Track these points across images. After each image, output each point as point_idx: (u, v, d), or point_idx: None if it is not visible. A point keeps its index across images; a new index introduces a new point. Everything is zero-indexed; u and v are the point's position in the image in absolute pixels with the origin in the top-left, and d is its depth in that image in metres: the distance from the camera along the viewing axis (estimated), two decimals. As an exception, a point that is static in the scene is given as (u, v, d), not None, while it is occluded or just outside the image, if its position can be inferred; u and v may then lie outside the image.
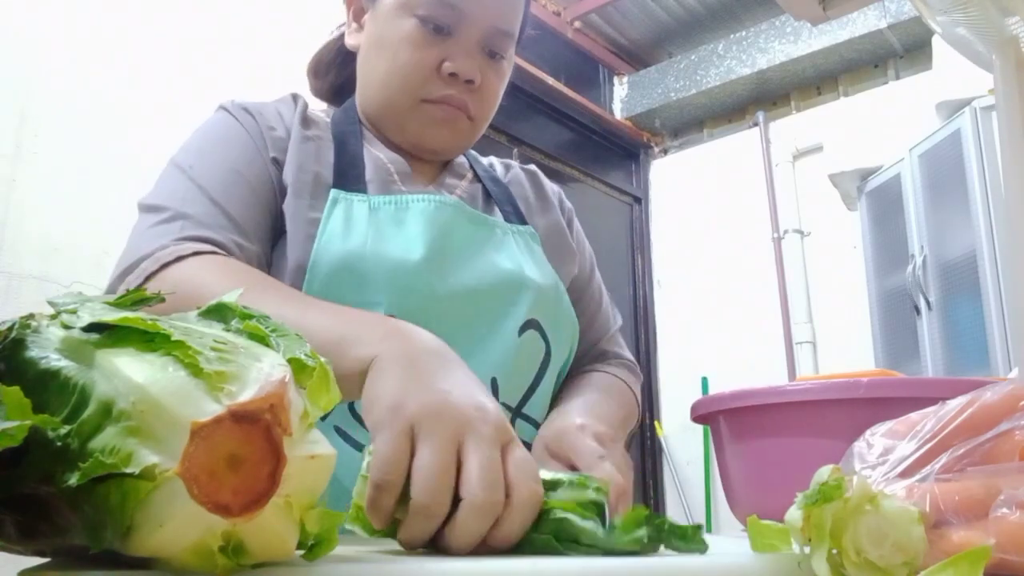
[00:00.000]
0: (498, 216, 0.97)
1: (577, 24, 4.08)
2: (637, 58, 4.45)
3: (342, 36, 1.00)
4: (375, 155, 0.92)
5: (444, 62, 0.88)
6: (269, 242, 0.82)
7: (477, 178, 1.01)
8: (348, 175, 0.87)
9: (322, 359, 0.40)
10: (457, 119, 0.91)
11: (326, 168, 0.87)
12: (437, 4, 0.87)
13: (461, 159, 1.03)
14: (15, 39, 2.07)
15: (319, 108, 1.00)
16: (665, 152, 4.54)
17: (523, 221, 0.98)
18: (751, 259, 3.93)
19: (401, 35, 0.88)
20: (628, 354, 1.06)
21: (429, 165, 0.98)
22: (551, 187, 1.10)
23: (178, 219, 0.77)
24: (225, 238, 0.77)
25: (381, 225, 0.84)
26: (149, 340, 0.36)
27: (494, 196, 0.99)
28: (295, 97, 0.95)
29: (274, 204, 0.83)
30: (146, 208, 0.80)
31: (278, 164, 0.86)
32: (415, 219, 0.85)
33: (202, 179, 0.80)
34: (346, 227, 0.82)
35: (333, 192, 0.84)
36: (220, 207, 0.78)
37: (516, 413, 0.87)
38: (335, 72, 1.04)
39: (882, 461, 0.48)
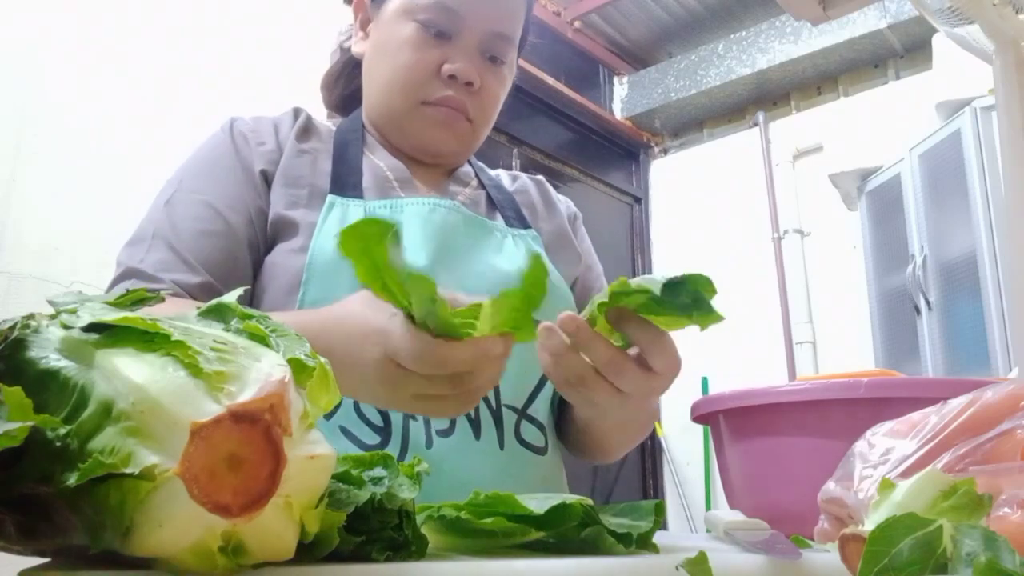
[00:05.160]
0: (499, 221, 0.97)
1: (577, 24, 4.08)
2: (637, 58, 4.44)
3: (349, 48, 1.02)
4: (375, 163, 0.94)
5: (444, 64, 0.90)
6: (228, 267, 0.84)
7: (482, 186, 1.02)
8: (345, 183, 0.89)
9: (322, 359, 0.40)
10: (456, 121, 0.92)
11: (322, 178, 0.90)
12: (437, 9, 0.89)
13: (466, 168, 1.03)
14: (16, 40, 2.07)
15: (328, 119, 1.01)
16: (665, 152, 4.54)
17: (526, 225, 0.99)
18: (751, 259, 3.92)
19: (402, 39, 0.90)
20: None
21: (433, 173, 0.98)
22: (559, 196, 1.10)
23: (130, 276, 0.81)
24: (167, 281, 0.80)
25: None
26: (149, 340, 0.36)
27: (497, 202, 0.99)
28: (296, 111, 0.97)
29: (250, 228, 0.86)
30: (132, 236, 0.85)
31: (266, 176, 0.89)
32: (410, 221, 0.86)
33: (176, 212, 0.85)
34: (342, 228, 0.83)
35: (330, 197, 0.86)
36: (175, 250, 0.82)
37: (521, 415, 0.87)
38: (343, 83, 1.06)
39: (884, 461, 0.49)
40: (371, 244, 0.50)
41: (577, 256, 1.03)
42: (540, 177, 1.12)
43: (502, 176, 1.08)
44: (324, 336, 0.63)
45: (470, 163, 1.05)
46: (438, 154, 0.96)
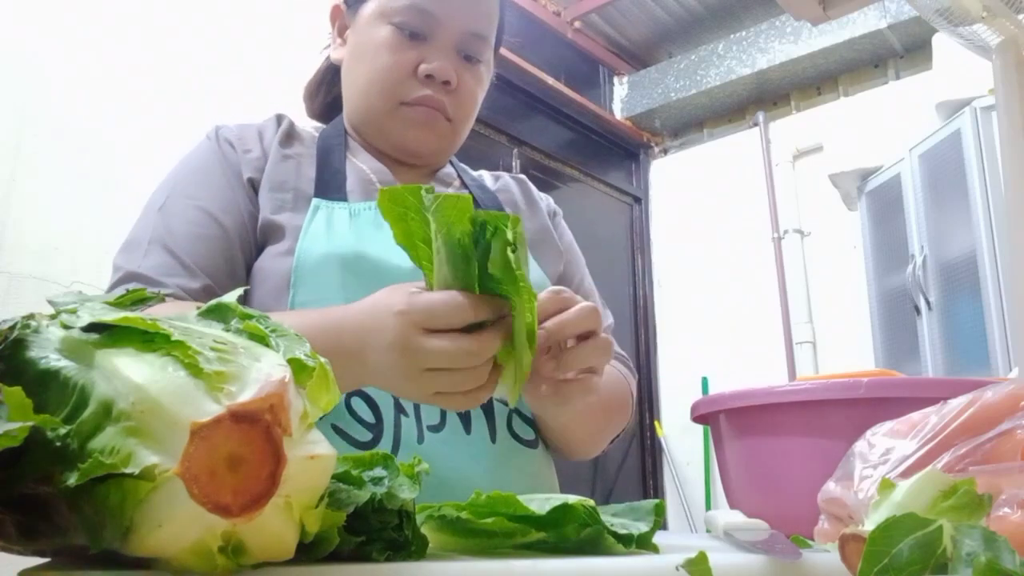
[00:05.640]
0: None
1: (577, 24, 4.08)
2: (637, 58, 4.44)
3: (329, 58, 1.03)
4: (358, 166, 0.95)
5: (420, 64, 0.92)
6: (226, 270, 0.85)
7: (464, 186, 1.03)
8: (329, 185, 0.91)
9: (322, 359, 0.40)
10: (436, 120, 0.94)
11: (306, 182, 0.91)
12: (412, 11, 0.91)
13: (448, 169, 1.05)
14: (16, 40, 2.07)
15: (311, 126, 1.03)
16: (665, 152, 4.54)
17: None
18: (751, 259, 3.93)
19: (379, 42, 0.92)
20: (620, 350, 1.07)
21: (415, 174, 1.00)
22: (539, 194, 1.12)
23: (130, 280, 0.81)
24: (170, 285, 0.81)
25: (362, 228, 0.87)
26: (149, 340, 0.36)
27: (480, 202, 1.01)
28: (279, 117, 0.99)
29: (243, 230, 0.87)
30: (126, 242, 0.86)
31: (254, 183, 0.90)
32: None
33: (171, 217, 0.85)
34: (328, 230, 0.86)
35: (315, 201, 0.88)
36: (173, 254, 0.82)
37: (512, 409, 0.88)
38: (324, 91, 1.08)
39: (884, 461, 0.49)
40: (409, 212, 0.52)
41: (559, 253, 1.05)
42: (522, 176, 1.14)
43: (484, 176, 1.09)
44: (345, 320, 0.65)
45: (452, 164, 1.07)
46: (419, 154, 0.97)
